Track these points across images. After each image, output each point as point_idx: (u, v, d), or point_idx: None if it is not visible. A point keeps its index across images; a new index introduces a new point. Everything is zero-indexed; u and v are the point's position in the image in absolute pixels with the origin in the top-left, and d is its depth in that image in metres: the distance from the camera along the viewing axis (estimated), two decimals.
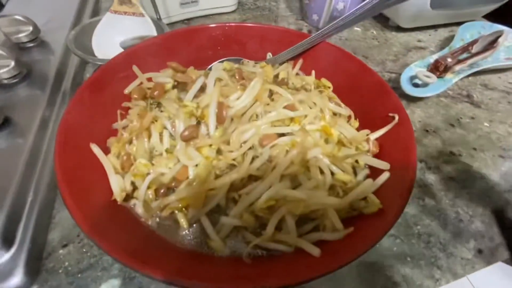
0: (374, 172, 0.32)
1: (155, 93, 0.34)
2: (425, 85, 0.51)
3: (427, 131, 0.49)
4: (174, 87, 0.36)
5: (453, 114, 0.52)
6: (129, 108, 0.36)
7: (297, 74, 0.45)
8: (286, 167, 0.27)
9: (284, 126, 0.33)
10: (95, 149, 0.30)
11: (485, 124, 0.52)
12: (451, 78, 0.53)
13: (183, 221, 0.27)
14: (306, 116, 0.33)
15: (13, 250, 0.29)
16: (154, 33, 0.57)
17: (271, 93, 0.35)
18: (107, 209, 0.27)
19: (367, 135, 0.35)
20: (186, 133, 0.31)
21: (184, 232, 0.28)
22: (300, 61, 0.45)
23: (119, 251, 0.21)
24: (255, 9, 0.79)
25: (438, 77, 0.52)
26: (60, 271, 0.29)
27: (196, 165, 0.29)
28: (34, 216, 0.32)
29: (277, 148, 0.29)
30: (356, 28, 0.74)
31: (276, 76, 0.43)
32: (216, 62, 0.44)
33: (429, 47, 0.69)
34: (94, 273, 0.29)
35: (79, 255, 0.30)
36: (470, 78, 0.60)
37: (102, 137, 0.33)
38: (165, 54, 0.42)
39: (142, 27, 0.56)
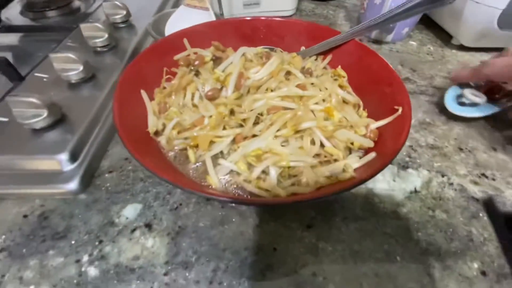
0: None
1: (196, 62, 0.43)
2: (473, 105, 0.48)
3: (461, 149, 0.46)
4: (212, 60, 0.44)
5: (498, 138, 0.48)
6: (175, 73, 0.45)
7: (324, 68, 0.49)
8: (279, 128, 0.32)
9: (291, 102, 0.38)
10: (144, 95, 0.40)
11: None
12: (504, 103, 0.48)
13: (192, 156, 0.35)
14: (314, 96, 0.38)
15: (76, 164, 0.39)
16: None
17: (288, 74, 0.40)
18: (145, 138, 0.36)
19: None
20: (210, 93, 0.38)
21: (192, 166, 0.36)
22: (330, 56, 0.49)
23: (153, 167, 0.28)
24: (312, 15, 0.84)
25: (490, 100, 0.47)
26: (103, 188, 0.39)
27: (211, 116, 0.36)
28: (95, 145, 0.42)
29: (278, 114, 0.35)
30: (411, 42, 0.73)
31: (304, 67, 0.49)
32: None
33: None
34: (125, 196, 0.38)
35: (118, 181, 0.40)
36: None
37: (152, 88, 0.43)
38: (213, 37, 0.50)
39: (206, 19, 0.67)
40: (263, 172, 0.32)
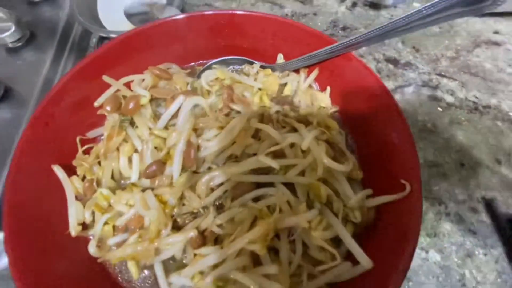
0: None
1: (130, 106, 0.30)
2: None
3: (462, 165, 0.39)
4: (152, 99, 0.31)
5: (506, 146, 0.40)
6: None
7: (310, 86, 0.36)
8: (246, 243, 0.23)
9: (263, 174, 0.28)
10: (56, 170, 0.28)
11: None
12: None
13: (133, 270, 0.26)
14: (294, 166, 0.27)
15: None
16: (163, 2, 0.49)
17: (256, 129, 0.29)
18: (60, 248, 0.26)
19: (366, 196, 0.28)
20: (150, 170, 0.27)
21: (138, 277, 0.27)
22: (316, 71, 0.36)
23: None
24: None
25: None
26: None
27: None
28: None
29: (244, 213, 0.25)
30: (415, 4, 0.57)
31: (284, 85, 0.36)
32: (213, 62, 0.37)
33: (508, 42, 0.52)
34: None
35: None
36: None
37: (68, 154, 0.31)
38: (161, 45, 0.36)
39: None
40: None
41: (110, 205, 0.28)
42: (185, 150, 0.26)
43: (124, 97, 0.31)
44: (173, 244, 0.25)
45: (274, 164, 0.27)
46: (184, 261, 0.27)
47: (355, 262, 0.25)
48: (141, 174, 0.29)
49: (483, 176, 0.38)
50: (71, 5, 0.49)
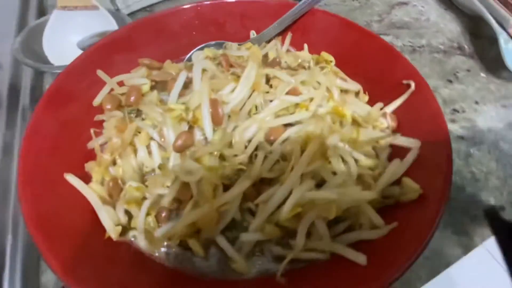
0: (396, 151, 0.28)
1: (131, 98, 0.28)
2: None
3: None
4: (152, 88, 0.30)
5: (449, 68, 0.49)
6: (103, 121, 0.30)
7: (288, 51, 0.40)
8: (307, 165, 0.23)
9: (289, 114, 0.28)
10: (72, 179, 0.25)
11: (482, 74, 0.50)
12: None
13: (197, 248, 0.23)
14: (312, 99, 0.29)
15: None
16: (114, 26, 0.49)
17: (267, 78, 0.30)
18: (101, 251, 0.22)
19: (381, 108, 0.31)
20: (179, 142, 0.25)
21: (200, 259, 0.24)
22: (289, 36, 0.39)
23: None
24: None
25: None
26: None
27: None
28: (19, 260, 0.28)
29: (290, 143, 0.25)
30: None
31: (266, 56, 0.38)
32: (194, 50, 0.38)
33: (412, 1, 0.64)
34: None
35: None
36: (459, 28, 0.57)
37: (77, 163, 0.27)
38: (132, 49, 0.35)
39: (100, 22, 0.49)
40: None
41: (144, 198, 0.25)
42: (212, 107, 0.26)
43: (122, 94, 0.30)
44: (232, 202, 0.23)
45: (297, 99, 0.28)
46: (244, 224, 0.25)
47: None
48: (163, 159, 0.27)
49: (438, 94, 0.45)
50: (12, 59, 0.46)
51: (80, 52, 0.43)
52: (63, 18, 0.48)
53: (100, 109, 0.30)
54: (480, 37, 0.54)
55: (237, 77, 0.28)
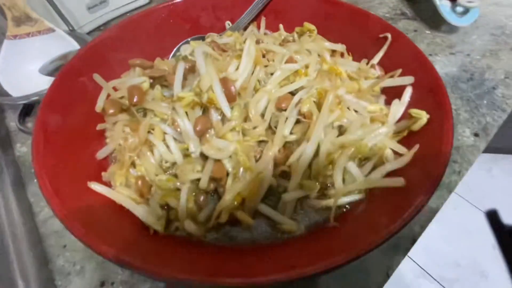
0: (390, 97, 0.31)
1: (135, 98, 0.28)
2: (465, 12, 0.46)
3: None
4: (151, 85, 0.30)
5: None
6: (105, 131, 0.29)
7: (265, 34, 0.41)
8: (329, 116, 0.25)
9: (290, 83, 0.30)
10: (97, 187, 0.24)
11: (427, 32, 0.56)
12: None
13: (246, 218, 0.23)
14: (308, 65, 0.31)
15: None
16: (75, 46, 0.47)
17: (262, 54, 0.31)
18: (153, 245, 0.22)
19: (367, 63, 0.34)
20: (199, 127, 0.26)
21: (248, 230, 0.24)
22: (263, 20, 0.41)
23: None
24: None
25: None
26: None
27: (230, 156, 0.25)
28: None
29: (306, 103, 0.26)
30: None
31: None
32: (178, 46, 0.38)
33: None
34: None
35: None
36: None
37: (90, 173, 0.26)
38: (110, 59, 0.34)
39: (59, 44, 0.47)
40: None
41: (177, 189, 0.25)
42: (224, 86, 0.26)
43: (121, 98, 0.29)
44: (266, 168, 0.24)
45: (296, 66, 0.29)
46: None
47: None
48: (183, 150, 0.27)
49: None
50: None
51: (43, 78, 0.41)
52: (16, 47, 0.45)
53: (100, 119, 0.29)
54: (416, 2, 0.62)
55: (238, 56, 0.29)
